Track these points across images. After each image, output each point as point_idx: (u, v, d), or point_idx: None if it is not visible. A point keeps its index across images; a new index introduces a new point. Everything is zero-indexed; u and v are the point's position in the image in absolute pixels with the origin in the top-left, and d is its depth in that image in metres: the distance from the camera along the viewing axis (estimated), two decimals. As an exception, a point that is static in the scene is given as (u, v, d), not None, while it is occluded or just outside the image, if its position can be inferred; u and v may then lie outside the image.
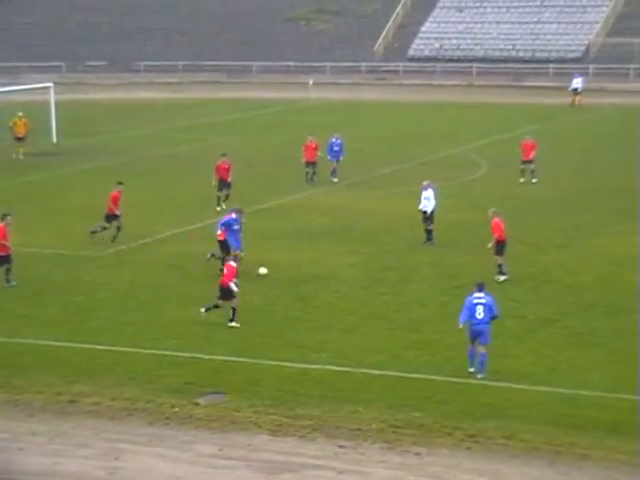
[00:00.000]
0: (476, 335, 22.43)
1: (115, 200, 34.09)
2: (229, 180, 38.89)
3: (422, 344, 24.57)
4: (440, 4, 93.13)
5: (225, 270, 26.58)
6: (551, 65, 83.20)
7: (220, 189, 38.67)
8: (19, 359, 24.06)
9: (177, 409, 21.31)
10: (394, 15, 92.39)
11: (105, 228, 34.08)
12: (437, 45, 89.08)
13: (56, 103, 57.06)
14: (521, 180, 43.76)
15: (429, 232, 33.79)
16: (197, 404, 21.59)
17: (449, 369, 22.88)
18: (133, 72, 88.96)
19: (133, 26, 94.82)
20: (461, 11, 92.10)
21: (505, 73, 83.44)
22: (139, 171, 47.08)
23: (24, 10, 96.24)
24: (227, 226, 30.88)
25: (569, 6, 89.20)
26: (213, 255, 30.86)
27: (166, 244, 34.26)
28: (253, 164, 47.78)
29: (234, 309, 26.15)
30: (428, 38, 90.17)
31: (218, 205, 38.31)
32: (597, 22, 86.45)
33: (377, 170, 46.18)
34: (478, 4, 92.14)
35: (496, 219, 30.04)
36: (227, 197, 38.82)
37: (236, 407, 21.35)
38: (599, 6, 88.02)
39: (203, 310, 26.35)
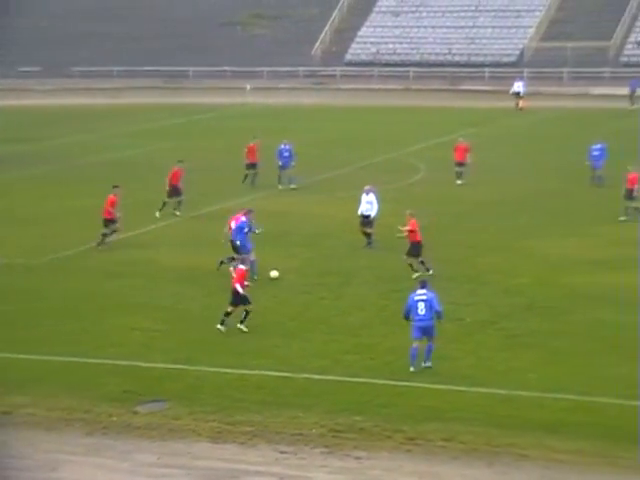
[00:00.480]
0: (422, 332, 22.89)
1: (112, 204, 34.09)
2: (180, 186, 39.04)
3: (362, 348, 24.63)
4: (376, 9, 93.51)
5: (235, 274, 26.24)
6: (487, 69, 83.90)
7: (170, 196, 38.47)
8: (-48, 370, 23.73)
9: (115, 418, 21.15)
10: (331, 20, 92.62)
11: (105, 235, 33.94)
12: (374, 50, 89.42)
13: (-10, 109, 56.40)
14: (459, 182, 44.20)
15: (368, 235, 33.91)
16: (136, 413, 21.43)
17: (389, 372, 22.96)
18: (68, 78, 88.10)
19: (67, 31, 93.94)
20: (397, 16, 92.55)
21: (442, 77, 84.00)
22: (77, 178, 46.70)
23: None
24: (239, 230, 30.69)
25: (504, 11, 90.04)
26: (232, 259, 30.12)
27: (104, 251, 33.96)
28: (192, 169, 47.56)
29: (247, 312, 25.84)
30: (365, 43, 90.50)
31: (160, 210, 38.14)
32: (531, 27, 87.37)
33: (316, 175, 46.24)
34: (414, 9, 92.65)
35: (412, 220, 30.64)
36: (180, 203, 38.83)
37: (176, 415, 21.24)
38: (533, 11, 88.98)
39: (220, 327, 25.86)
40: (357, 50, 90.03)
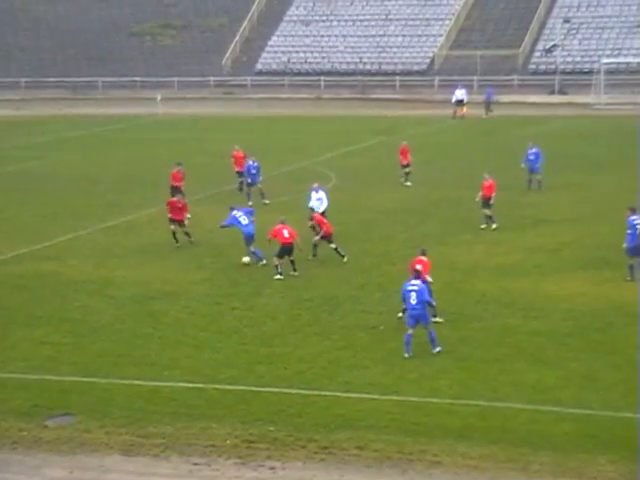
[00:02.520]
0: (415, 320, 24.30)
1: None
2: (182, 188, 39.62)
3: (273, 358, 24.59)
4: (287, 18, 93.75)
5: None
6: (397, 77, 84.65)
7: (173, 196, 37.89)
8: None
9: (25, 433, 20.80)
10: (241, 29, 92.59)
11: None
12: (285, 59, 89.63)
13: None
14: (408, 183, 45.11)
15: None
16: (46, 427, 21.11)
17: (301, 382, 22.95)
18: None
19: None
20: (308, 25, 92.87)
21: (352, 86, 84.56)
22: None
23: None
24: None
25: (413, 19, 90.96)
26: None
27: (10, 264, 33.45)
28: (97, 181, 47.20)
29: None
30: (275, 52, 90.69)
31: None
32: (441, 35, 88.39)
33: (225, 185, 46.07)
34: (324, 18, 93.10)
35: (279, 226, 31.42)
36: None
37: (86, 428, 20.97)
38: (442, 19, 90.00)
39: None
40: (268, 59, 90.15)
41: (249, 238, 32.86)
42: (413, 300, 24.30)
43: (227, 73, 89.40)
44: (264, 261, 32.45)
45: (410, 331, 24.35)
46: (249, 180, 42.71)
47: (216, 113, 77.03)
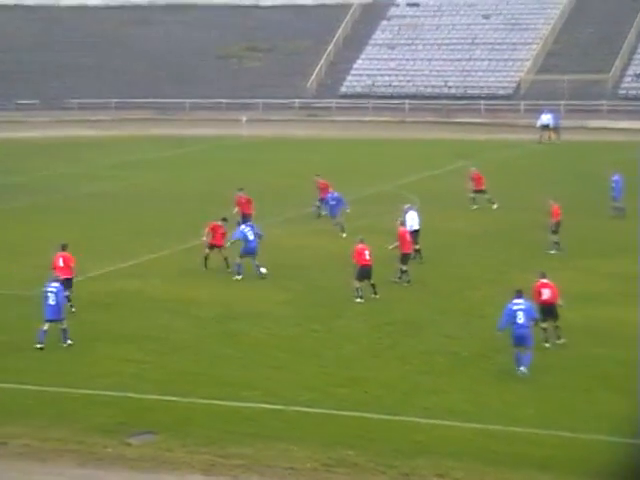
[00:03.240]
0: (520, 339, 24.50)
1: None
2: (251, 212, 39.89)
3: (353, 381, 24.54)
4: (372, 42, 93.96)
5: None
6: (482, 102, 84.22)
7: (243, 222, 38.01)
8: (-55, 401, 23.62)
9: (110, 449, 21.03)
10: (326, 52, 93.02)
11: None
12: (369, 82, 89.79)
13: (-14, 141, 56.55)
14: (495, 206, 45.42)
15: (418, 251, 35.34)
16: (129, 444, 21.32)
17: (380, 406, 22.85)
18: (65, 110, 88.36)
19: (65, 63, 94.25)
20: (393, 48, 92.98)
21: (437, 109, 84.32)
22: (66, 209, 46.67)
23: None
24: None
25: (500, 44, 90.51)
26: None
27: (97, 282, 33.88)
28: (181, 200, 47.68)
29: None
30: (360, 75, 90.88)
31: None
32: (527, 59, 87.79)
33: (307, 207, 46.24)
34: (410, 41, 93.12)
35: (360, 246, 31.50)
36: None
37: (168, 447, 21.12)
38: (529, 44, 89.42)
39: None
40: (352, 82, 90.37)
41: (252, 252, 34.25)
42: (520, 319, 24.55)
43: (312, 95, 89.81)
44: (240, 277, 33.78)
45: (517, 349, 24.56)
46: (328, 212, 42.12)
47: (300, 135, 77.41)
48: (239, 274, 34.14)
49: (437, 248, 38.12)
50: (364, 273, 31.14)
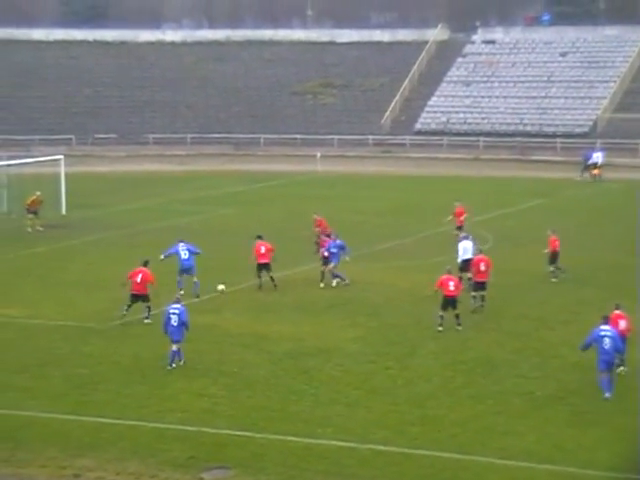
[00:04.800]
0: (607, 365, 25.38)
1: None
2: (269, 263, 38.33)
3: (427, 420, 24.45)
4: (447, 78, 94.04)
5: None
6: (558, 140, 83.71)
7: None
8: (23, 432, 23.94)
9: (182, 484, 21.19)
10: (401, 89, 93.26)
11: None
12: (444, 119, 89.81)
13: (66, 175, 57.59)
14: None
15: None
16: (202, 479, 21.43)
17: (454, 446, 22.73)
18: (142, 144, 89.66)
19: (142, 99, 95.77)
20: (468, 85, 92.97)
21: (511, 147, 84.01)
22: (139, 243, 47.15)
23: (36, 84, 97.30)
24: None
25: (576, 81, 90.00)
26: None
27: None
28: (254, 236, 47.89)
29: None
30: (435, 112, 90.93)
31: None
32: (604, 97, 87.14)
33: (380, 243, 46.26)
34: (485, 79, 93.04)
35: (445, 276, 32.08)
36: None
37: (241, 483, 21.21)
38: (606, 82, 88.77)
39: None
40: (427, 119, 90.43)
41: (187, 270, 36.48)
42: (606, 345, 25.30)
43: (386, 132, 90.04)
44: (182, 292, 35.10)
45: (602, 375, 25.31)
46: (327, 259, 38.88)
47: (374, 171, 77.58)
48: (180, 289, 36.13)
49: (510, 287, 37.87)
50: (448, 303, 31.78)
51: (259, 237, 38.44)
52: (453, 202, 47.92)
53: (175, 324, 28.38)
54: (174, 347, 28.51)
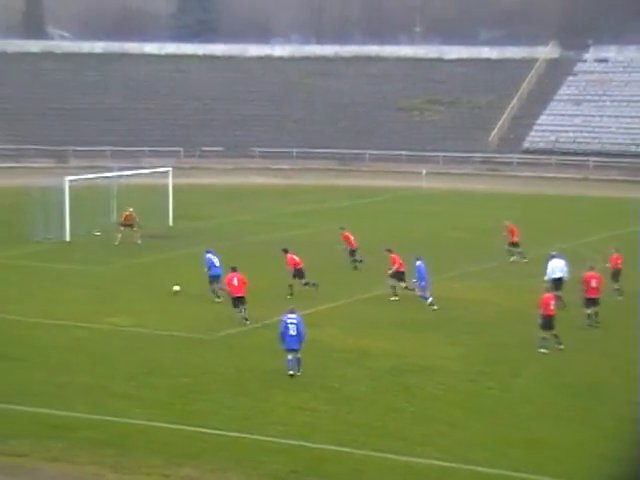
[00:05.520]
0: None
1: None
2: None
3: (529, 442, 24.12)
4: (557, 97, 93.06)
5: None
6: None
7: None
8: (129, 440, 24.28)
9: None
10: (509, 107, 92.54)
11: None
12: (553, 138, 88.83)
13: (173, 187, 58.45)
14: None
15: (559, 298, 35.19)
16: (301, 493, 21.52)
17: (556, 470, 22.39)
18: (248, 157, 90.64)
19: (249, 113, 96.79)
20: (579, 104, 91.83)
21: (622, 167, 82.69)
22: (244, 255, 47.49)
23: (146, 97, 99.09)
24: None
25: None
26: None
27: (275, 329, 34.33)
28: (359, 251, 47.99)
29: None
30: (544, 131, 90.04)
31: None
32: None
33: (484, 262, 45.87)
34: (597, 98, 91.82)
35: (546, 295, 32.02)
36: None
37: (340, 498, 21.20)
38: None
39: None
40: (535, 138, 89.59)
41: (218, 277, 37.83)
42: None
43: (493, 150, 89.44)
44: (220, 299, 37.05)
45: None
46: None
47: (480, 189, 77.07)
48: (219, 297, 37.71)
49: (616, 310, 37.22)
50: (547, 323, 31.42)
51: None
52: (504, 221, 48.70)
53: (294, 333, 28.78)
54: (289, 356, 28.79)
